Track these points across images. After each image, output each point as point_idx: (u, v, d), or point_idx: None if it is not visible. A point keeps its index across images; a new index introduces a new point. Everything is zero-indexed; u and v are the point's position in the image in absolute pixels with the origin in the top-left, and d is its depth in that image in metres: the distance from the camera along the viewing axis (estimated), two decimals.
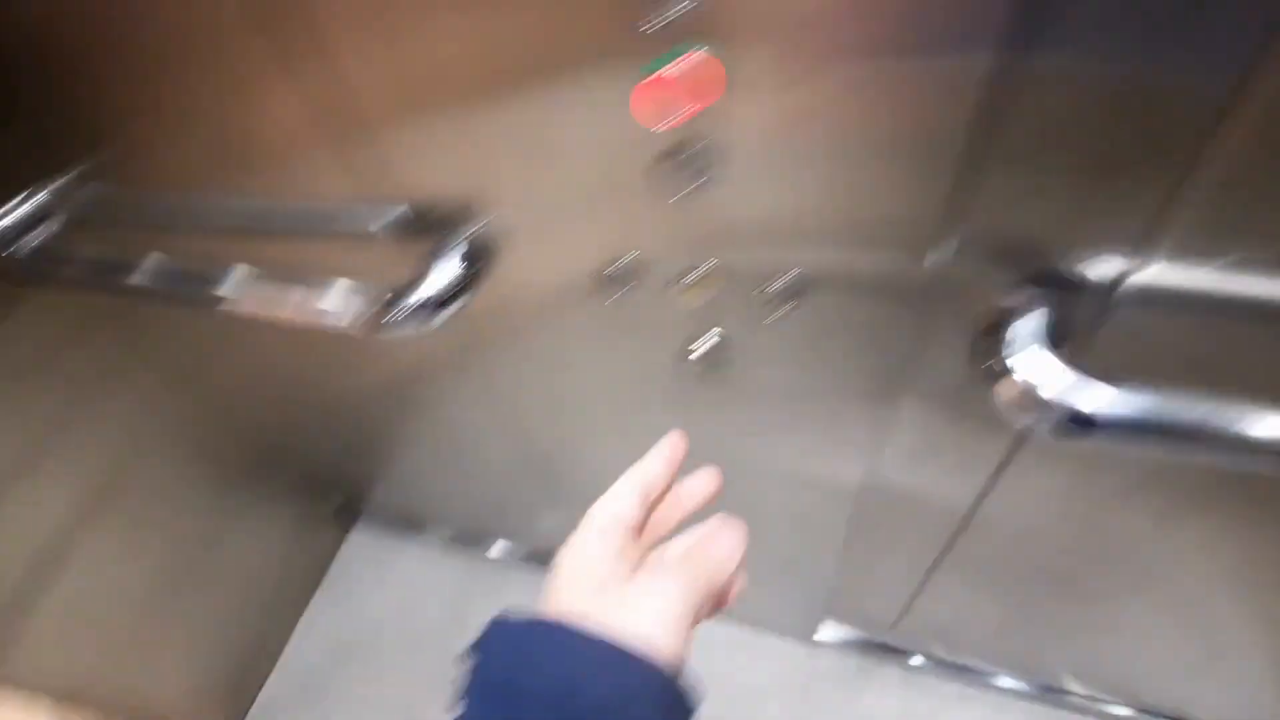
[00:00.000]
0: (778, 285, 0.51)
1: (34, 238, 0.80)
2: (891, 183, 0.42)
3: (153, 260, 0.72)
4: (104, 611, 1.08)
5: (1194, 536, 0.67)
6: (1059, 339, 0.47)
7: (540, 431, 0.92)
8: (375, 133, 0.54)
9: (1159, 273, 0.43)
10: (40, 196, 0.78)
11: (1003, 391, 0.47)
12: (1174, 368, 0.49)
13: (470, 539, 1.47)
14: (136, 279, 0.73)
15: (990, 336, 0.49)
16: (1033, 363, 0.46)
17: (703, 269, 0.52)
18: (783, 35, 0.36)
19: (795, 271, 0.50)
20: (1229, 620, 0.76)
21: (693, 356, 0.61)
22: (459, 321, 0.75)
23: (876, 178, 0.42)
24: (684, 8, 0.36)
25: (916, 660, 1.19)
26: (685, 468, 0.38)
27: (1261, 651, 0.80)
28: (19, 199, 0.79)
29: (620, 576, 0.31)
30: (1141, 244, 0.41)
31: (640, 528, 0.34)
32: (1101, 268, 0.44)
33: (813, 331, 0.54)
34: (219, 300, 0.69)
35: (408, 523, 1.52)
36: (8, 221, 0.79)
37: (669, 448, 0.37)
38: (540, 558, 1.43)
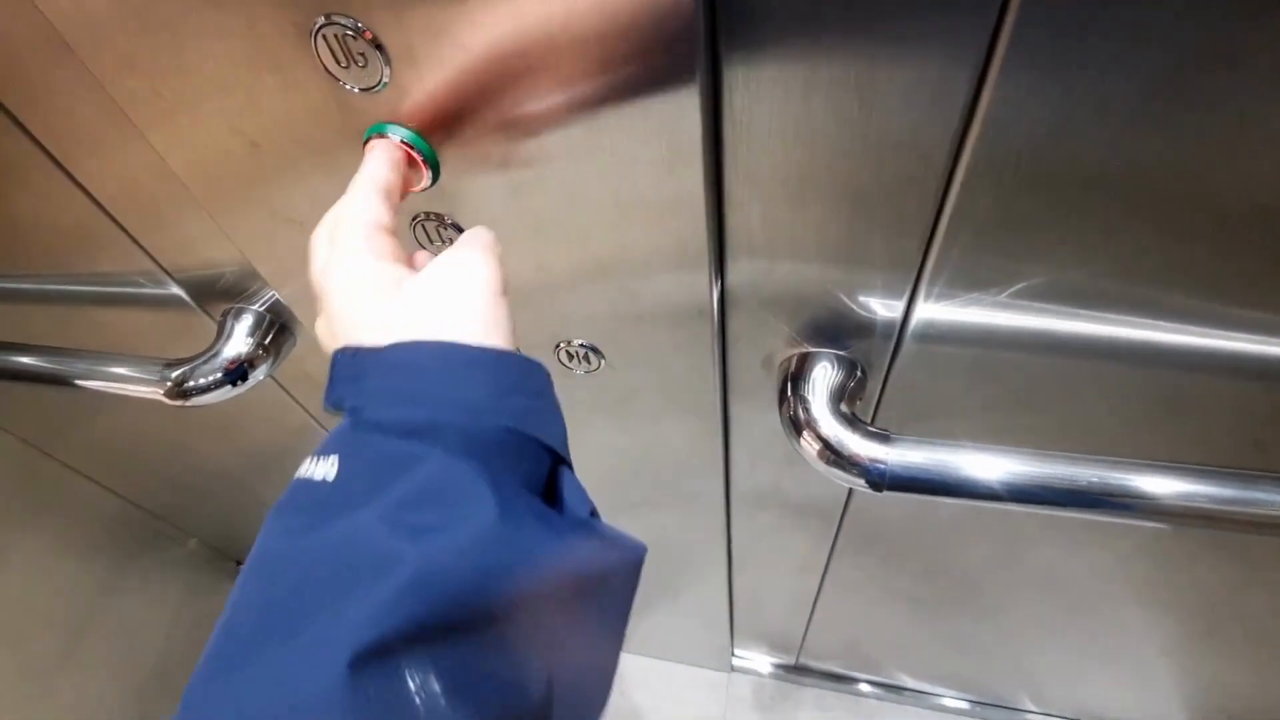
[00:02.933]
0: (571, 348, 0.48)
1: None
2: (652, 243, 0.39)
3: None
4: None
5: (1044, 560, 0.67)
6: (852, 391, 0.46)
7: None
8: (155, 211, 0.50)
9: (939, 308, 0.41)
10: None
11: (805, 447, 0.45)
12: (970, 407, 0.48)
13: None
14: None
15: (788, 389, 0.47)
16: (826, 421, 0.44)
17: None
18: (481, 120, 0.34)
19: (581, 341, 0.47)
20: (1110, 621, 0.77)
21: None
22: (300, 384, 0.71)
23: (633, 240, 0.39)
24: (375, 87, 0.33)
25: (834, 680, 1.18)
26: None
27: (1149, 648, 0.81)
28: None
29: (404, 277, 0.27)
30: (916, 279, 0.40)
31: (393, 231, 0.30)
32: (885, 305, 0.42)
33: (619, 394, 0.52)
34: (30, 374, 0.63)
35: None
36: None
37: (390, 148, 0.33)
38: None
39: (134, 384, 0.58)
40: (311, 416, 0.75)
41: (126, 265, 0.57)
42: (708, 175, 0.35)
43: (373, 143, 0.34)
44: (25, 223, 0.55)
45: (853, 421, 0.44)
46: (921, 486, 0.43)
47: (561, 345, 0.49)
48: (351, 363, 0.25)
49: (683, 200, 0.36)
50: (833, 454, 0.44)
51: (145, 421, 0.92)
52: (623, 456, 0.62)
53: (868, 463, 0.43)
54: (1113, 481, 0.38)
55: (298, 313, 0.56)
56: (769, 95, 0.32)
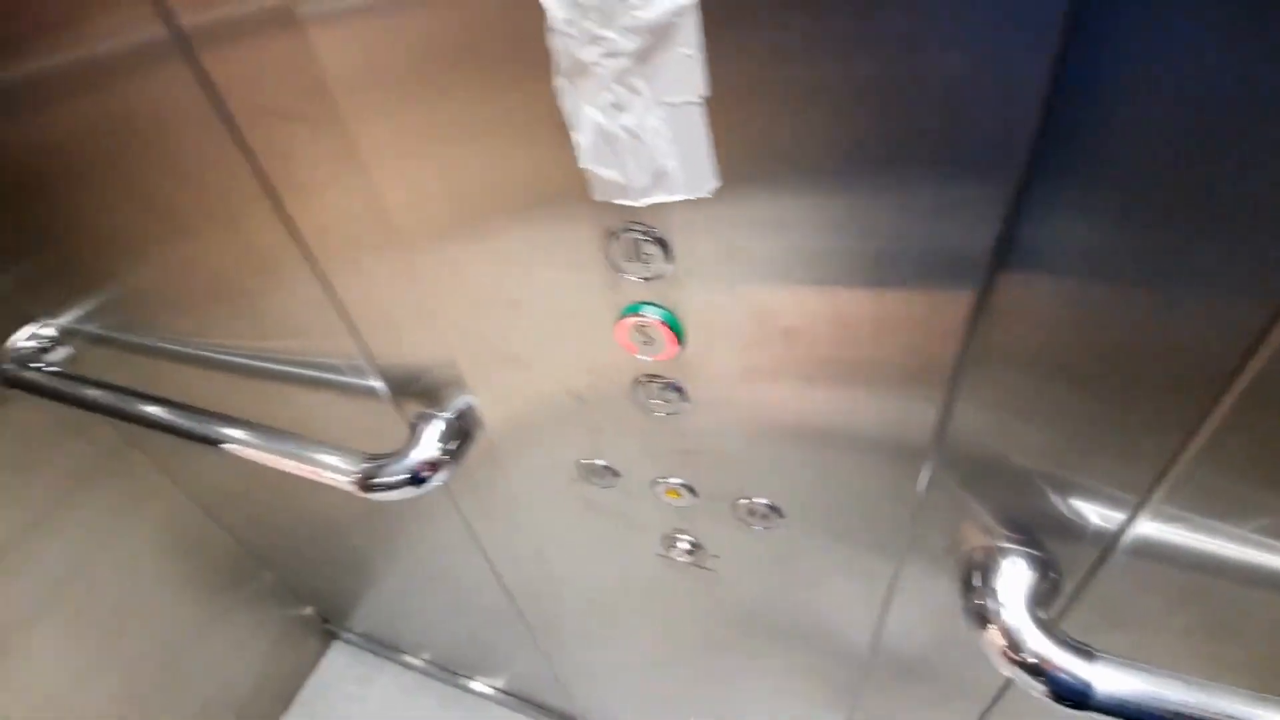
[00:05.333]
0: (752, 505, 0.50)
1: (52, 358, 0.84)
2: (878, 424, 0.41)
3: (160, 400, 0.74)
4: None
5: None
6: (1045, 593, 0.45)
7: (522, 587, 0.89)
8: (384, 311, 0.56)
9: (1163, 528, 0.40)
10: (44, 331, 0.83)
11: (989, 639, 0.44)
12: (1171, 626, 0.46)
13: (448, 670, 1.40)
14: (141, 409, 0.75)
15: (979, 578, 0.46)
16: (1024, 625, 0.43)
17: (677, 479, 0.51)
18: (740, 312, 0.38)
19: (764, 500, 0.49)
20: None
21: (670, 552, 0.59)
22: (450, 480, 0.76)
23: (858, 418, 0.41)
24: (653, 277, 0.38)
25: None
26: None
27: None
28: (28, 328, 0.84)
29: None
30: (1146, 495, 0.39)
31: None
32: (1101, 514, 0.42)
33: (785, 552, 0.52)
34: (217, 441, 0.70)
35: (387, 645, 1.45)
36: (27, 344, 0.84)
37: None
38: (515, 698, 1.35)
39: (331, 471, 0.63)
40: (455, 506, 0.79)
41: (337, 352, 0.63)
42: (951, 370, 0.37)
43: None
44: (272, 308, 0.62)
45: (1051, 630, 0.43)
46: (1123, 713, 0.41)
47: (743, 501, 0.51)
48: None
49: (921, 392, 0.38)
50: (1022, 658, 0.43)
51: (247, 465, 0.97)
52: (771, 601, 0.61)
53: (1066, 678, 0.41)
54: None
55: (485, 416, 0.60)
56: (1045, 296, 0.33)
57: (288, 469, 0.67)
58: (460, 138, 0.37)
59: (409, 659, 1.43)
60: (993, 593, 0.45)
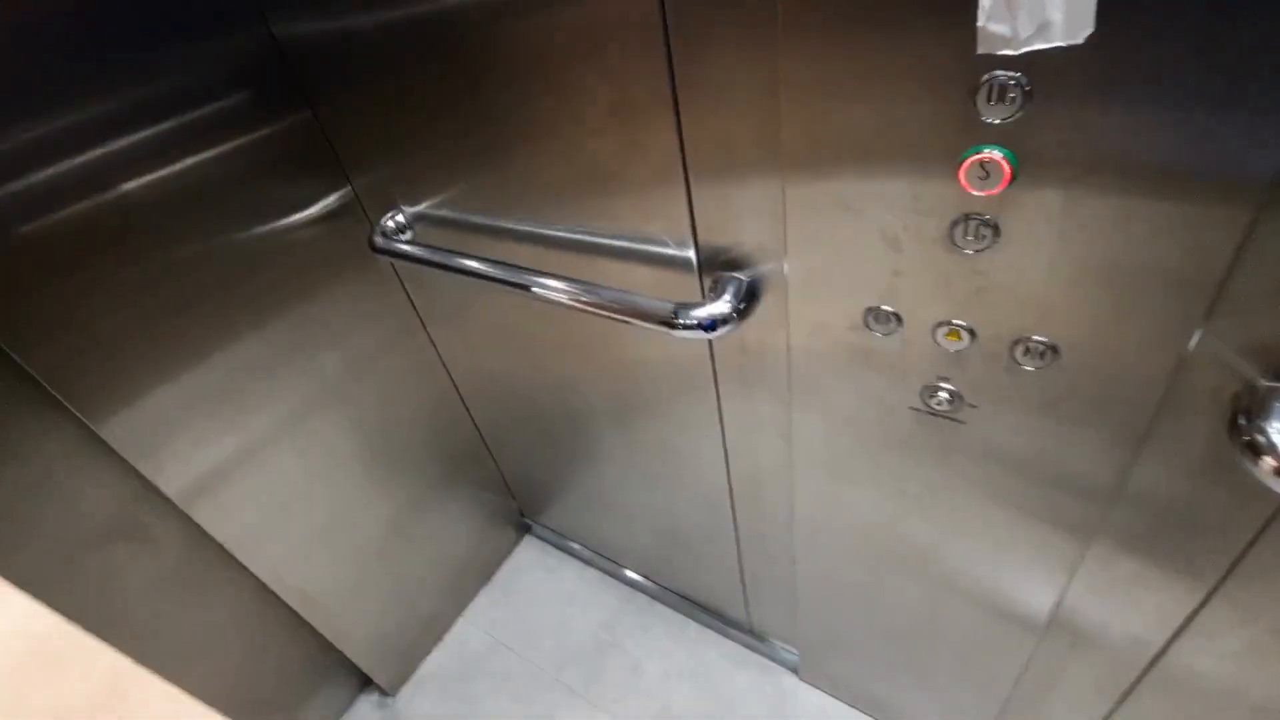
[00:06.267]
0: (1030, 344, 0.59)
1: (403, 237, 1.10)
2: (1164, 275, 0.50)
3: (493, 261, 0.95)
4: (341, 544, 1.30)
5: None
6: None
7: (746, 474, 1.03)
8: (696, 184, 0.72)
9: None
10: (399, 217, 1.08)
11: (1265, 467, 0.51)
12: None
13: (628, 568, 1.57)
14: (476, 268, 0.97)
15: (1246, 418, 0.53)
16: None
17: (962, 321, 0.62)
18: (1075, 153, 0.48)
19: (1044, 338, 0.58)
20: None
21: (929, 402, 0.70)
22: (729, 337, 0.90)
23: (1148, 266, 0.50)
24: (1009, 118, 0.49)
25: None
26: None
27: None
28: (390, 213, 1.09)
29: None
30: None
31: None
32: None
33: (1051, 395, 0.61)
34: (549, 289, 0.90)
35: (575, 540, 1.65)
36: (389, 225, 1.10)
37: None
38: (691, 602, 1.49)
39: (646, 308, 0.80)
40: (714, 377, 0.93)
41: (669, 231, 0.80)
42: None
43: None
44: (628, 194, 0.80)
45: None
46: None
47: (1021, 341, 0.61)
48: None
49: (1211, 247, 0.47)
50: None
51: (506, 358, 1.18)
52: (1015, 459, 0.70)
53: None
54: None
55: (793, 280, 0.73)
56: None
57: (608, 313, 0.84)
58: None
59: (593, 556, 1.62)
60: (1264, 427, 0.52)
